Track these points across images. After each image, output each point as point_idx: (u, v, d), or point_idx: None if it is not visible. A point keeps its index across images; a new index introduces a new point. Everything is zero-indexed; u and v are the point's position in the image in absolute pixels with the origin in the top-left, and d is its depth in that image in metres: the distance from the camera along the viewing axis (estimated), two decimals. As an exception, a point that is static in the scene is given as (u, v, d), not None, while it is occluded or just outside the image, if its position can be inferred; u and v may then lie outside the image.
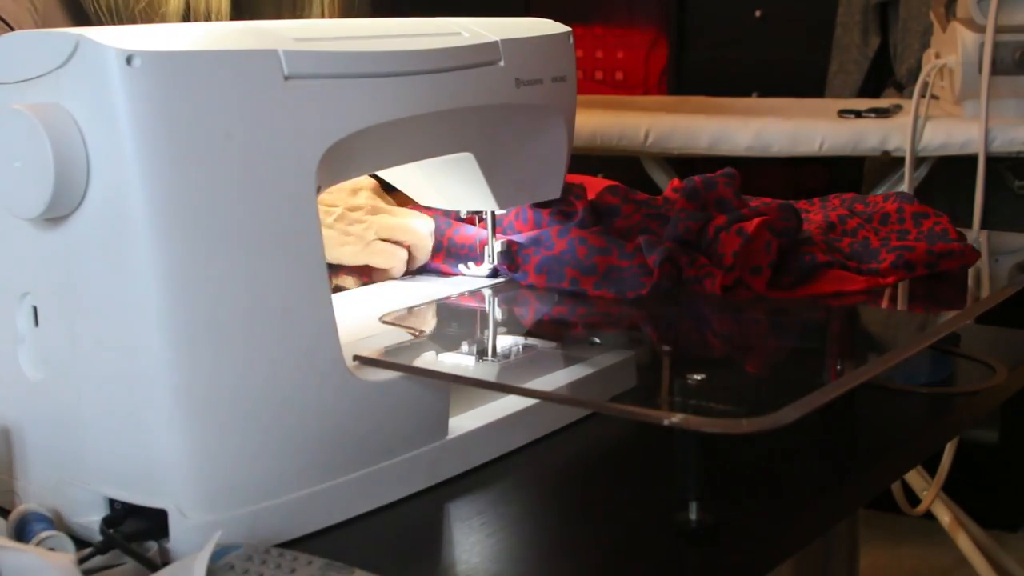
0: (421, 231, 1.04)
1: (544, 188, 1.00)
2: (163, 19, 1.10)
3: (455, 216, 1.05)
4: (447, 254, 1.05)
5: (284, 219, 0.69)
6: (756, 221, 0.98)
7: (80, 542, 0.67)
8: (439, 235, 1.06)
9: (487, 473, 0.78)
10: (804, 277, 0.98)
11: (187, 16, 1.11)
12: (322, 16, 1.20)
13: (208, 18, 1.12)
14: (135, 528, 0.66)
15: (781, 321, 0.96)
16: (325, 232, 1.01)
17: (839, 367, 0.88)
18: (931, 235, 1.07)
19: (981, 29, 2.06)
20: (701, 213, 1.02)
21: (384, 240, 1.03)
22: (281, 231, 0.69)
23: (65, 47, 0.65)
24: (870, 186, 2.35)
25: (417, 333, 0.86)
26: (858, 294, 0.97)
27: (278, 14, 1.17)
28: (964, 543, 2.12)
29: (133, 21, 1.09)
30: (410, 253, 1.05)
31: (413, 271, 1.06)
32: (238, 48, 0.68)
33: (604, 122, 2.18)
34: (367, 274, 1.05)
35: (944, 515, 2.14)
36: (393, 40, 0.79)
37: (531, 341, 0.86)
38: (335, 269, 1.05)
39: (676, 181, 1.10)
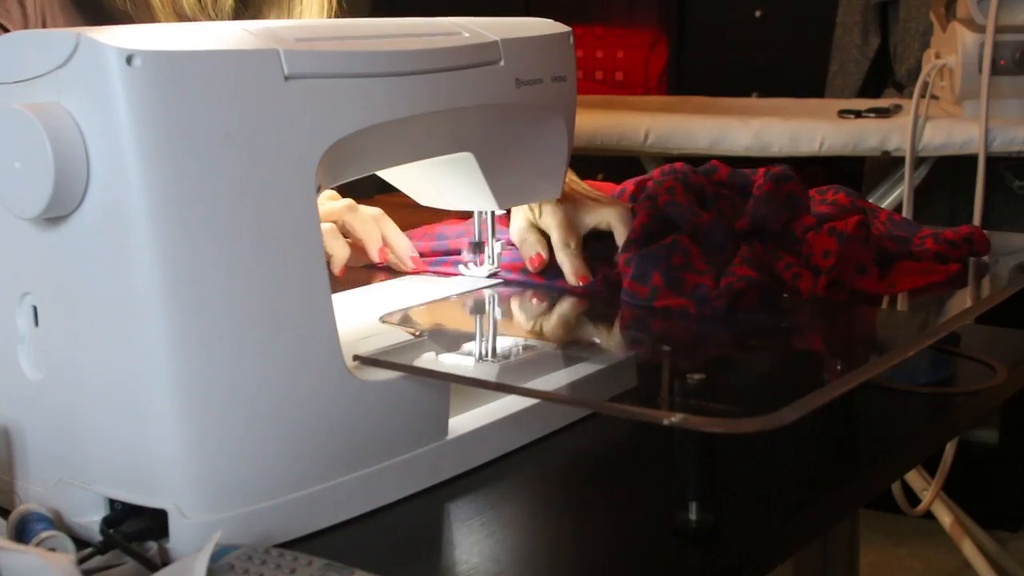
0: (346, 207, 1.04)
1: (544, 188, 1.00)
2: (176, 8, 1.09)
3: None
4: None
5: (284, 219, 0.69)
6: (853, 220, 0.96)
7: (80, 542, 0.67)
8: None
9: (487, 473, 0.78)
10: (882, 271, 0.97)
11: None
12: (318, 14, 1.19)
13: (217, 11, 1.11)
14: (135, 528, 0.66)
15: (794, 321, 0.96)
16: None
17: (839, 367, 0.87)
18: (896, 224, 1.08)
19: (981, 29, 2.06)
20: (785, 206, 1.01)
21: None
22: (281, 231, 0.69)
23: (65, 47, 0.65)
24: (870, 186, 2.35)
25: (417, 333, 0.86)
26: (942, 284, 0.97)
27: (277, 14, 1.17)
28: (964, 543, 2.12)
29: (151, 10, 1.08)
30: (353, 237, 1.04)
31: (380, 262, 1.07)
32: (238, 48, 0.68)
33: (604, 122, 2.18)
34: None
35: (944, 515, 2.14)
36: (393, 40, 0.79)
37: (531, 341, 0.85)
38: None
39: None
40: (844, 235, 0.95)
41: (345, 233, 1.07)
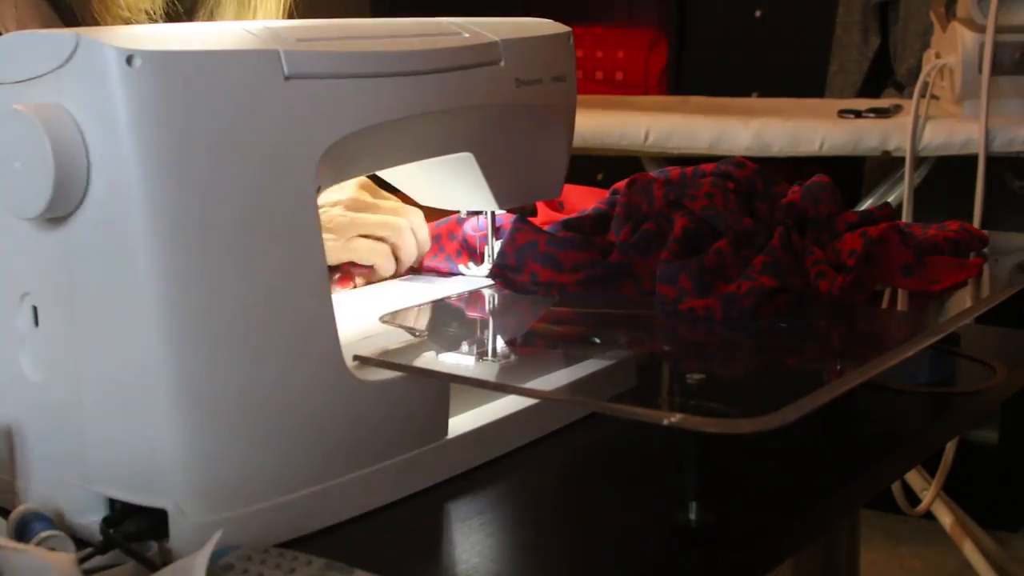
0: (401, 227, 1.03)
1: (544, 188, 1.00)
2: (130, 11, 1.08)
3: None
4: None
5: (284, 219, 0.69)
6: (882, 225, 0.96)
7: (80, 542, 0.67)
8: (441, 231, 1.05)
9: (487, 473, 0.78)
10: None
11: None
12: (275, 15, 1.17)
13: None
14: (135, 528, 0.66)
15: (784, 321, 0.95)
16: None
17: (839, 367, 0.87)
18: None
19: (981, 29, 2.06)
20: (834, 197, 1.00)
21: (365, 237, 1.03)
22: (281, 231, 0.69)
23: (65, 47, 0.65)
24: (870, 186, 2.35)
25: (417, 333, 0.87)
26: (966, 281, 0.97)
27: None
28: (964, 543, 2.12)
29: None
30: (395, 254, 1.04)
31: (404, 272, 1.05)
32: (238, 48, 0.68)
33: (604, 122, 2.18)
34: (354, 275, 1.05)
35: (944, 515, 2.14)
36: (393, 40, 0.79)
37: (531, 341, 0.85)
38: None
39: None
40: (871, 237, 0.94)
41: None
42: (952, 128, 2.06)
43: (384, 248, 1.03)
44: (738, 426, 0.62)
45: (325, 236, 0.99)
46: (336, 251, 1.02)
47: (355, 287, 1.04)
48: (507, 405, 0.81)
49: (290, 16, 1.16)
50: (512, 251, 0.97)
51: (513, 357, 0.81)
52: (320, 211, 1.01)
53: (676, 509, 0.68)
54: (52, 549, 0.65)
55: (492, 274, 0.98)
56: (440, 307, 0.96)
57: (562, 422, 0.85)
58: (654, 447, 0.81)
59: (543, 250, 0.96)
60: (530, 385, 0.79)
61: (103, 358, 0.67)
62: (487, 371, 0.79)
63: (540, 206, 1.11)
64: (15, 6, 1.05)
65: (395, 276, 1.06)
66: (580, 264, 0.95)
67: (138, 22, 1.07)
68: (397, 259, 1.05)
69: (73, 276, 0.67)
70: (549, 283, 0.95)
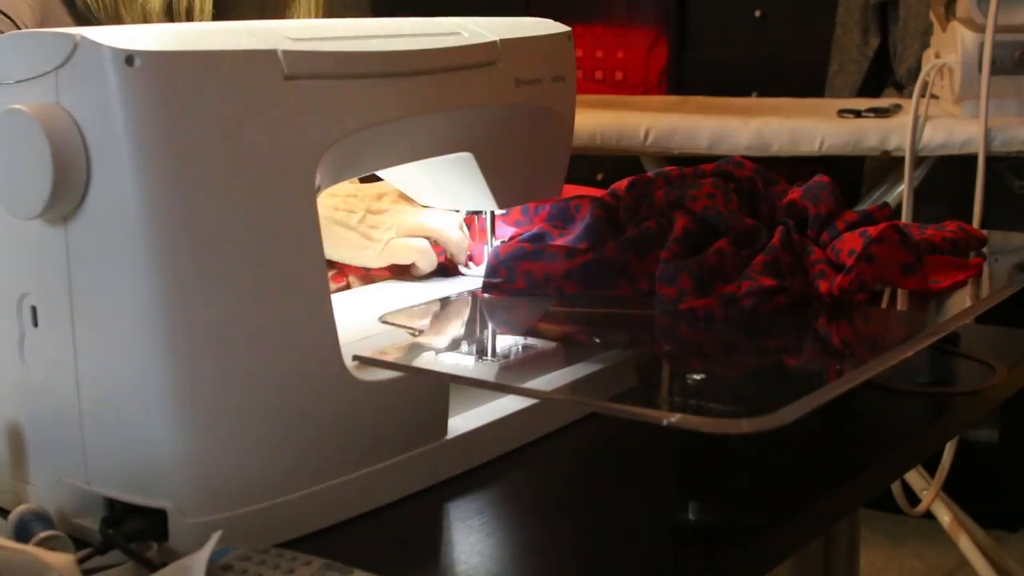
0: (442, 227, 1.04)
1: (544, 188, 1.00)
2: (145, 14, 1.08)
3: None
4: None
5: (284, 219, 0.69)
6: (882, 225, 0.96)
7: (80, 542, 0.67)
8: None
9: (487, 473, 0.78)
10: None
11: (169, 12, 1.10)
12: (309, 16, 1.19)
13: (190, 15, 1.11)
14: (135, 528, 0.66)
15: (785, 321, 0.95)
16: (347, 234, 1.02)
17: (839, 367, 0.87)
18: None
19: (981, 29, 2.05)
20: (835, 195, 1.00)
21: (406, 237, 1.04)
22: (281, 231, 0.69)
23: (64, 47, 0.65)
24: (870, 186, 2.35)
25: (417, 333, 0.86)
26: (966, 281, 0.97)
27: (262, 14, 1.16)
28: (964, 543, 2.12)
29: (118, 14, 1.08)
30: (447, 249, 1.05)
31: (446, 269, 1.07)
32: (238, 48, 0.68)
33: (604, 122, 2.18)
34: (348, 274, 1.05)
35: (944, 515, 2.14)
36: (393, 40, 0.79)
37: (531, 341, 0.85)
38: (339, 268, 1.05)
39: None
40: (871, 237, 0.94)
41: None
42: (952, 128, 2.06)
43: (424, 245, 1.04)
44: (738, 426, 0.62)
45: (366, 243, 1.00)
46: (376, 258, 1.03)
47: (348, 286, 1.04)
48: (507, 405, 0.81)
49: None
50: (498, 263, 0.97)
51: (513, 357, 0.81)
52: (359, 215, 1.03)
53: (676, 509, 0.68)
54: (52, 549, 0.65)
55: (484, 287, 0.97)
56: (440, 307, 0.96)
57: (562, 422, 0.85)
58: (654, 447, 0.81)
59: (531, 250, 0.96)
60: (530, 385, 0.79)
61: (102, 358, 0.67)
62: (487, 371, 0.79)
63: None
64: (29, 5, 1.05)
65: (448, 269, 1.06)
66: (572, 252, 0.95)
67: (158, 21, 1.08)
68: (446, 253, 1.06)
69: (73, 276, 0.67)
70: (545, 278, 0.95)
